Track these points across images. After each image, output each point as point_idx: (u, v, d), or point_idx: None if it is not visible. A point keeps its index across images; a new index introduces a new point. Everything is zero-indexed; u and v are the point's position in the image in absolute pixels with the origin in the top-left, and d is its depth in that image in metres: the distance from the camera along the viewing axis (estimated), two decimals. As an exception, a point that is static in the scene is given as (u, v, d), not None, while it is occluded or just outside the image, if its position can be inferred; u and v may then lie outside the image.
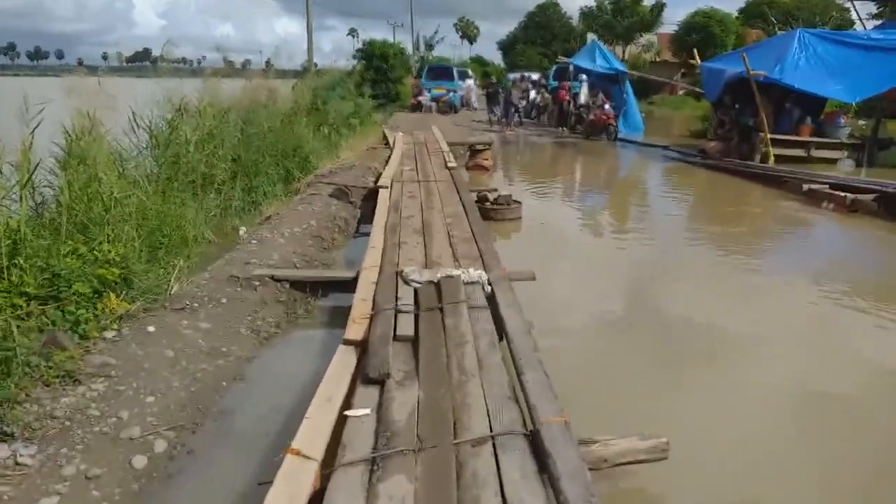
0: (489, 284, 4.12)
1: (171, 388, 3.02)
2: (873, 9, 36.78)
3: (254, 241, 5.60)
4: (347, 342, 3.27)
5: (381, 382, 2.72)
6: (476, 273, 4.18)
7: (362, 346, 3.21)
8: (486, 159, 12.34)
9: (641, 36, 42.40)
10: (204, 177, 8.07)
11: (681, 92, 42.76)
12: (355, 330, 3.37)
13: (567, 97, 19.90)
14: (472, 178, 11.54)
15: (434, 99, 25.16)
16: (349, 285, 4.45)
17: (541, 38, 55.50)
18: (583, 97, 19.64)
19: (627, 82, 20.92)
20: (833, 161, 13.31)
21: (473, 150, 12.49)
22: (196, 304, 4.10)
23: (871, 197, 8.34)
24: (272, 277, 4.58)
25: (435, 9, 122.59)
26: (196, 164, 8.00)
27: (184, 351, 3.40)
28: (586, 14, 44.48)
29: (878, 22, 27.64)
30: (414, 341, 3.23)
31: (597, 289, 5.55)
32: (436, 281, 4.05)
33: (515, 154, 16.28)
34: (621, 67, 21.53)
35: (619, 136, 19.12)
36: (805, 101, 14.10)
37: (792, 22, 37.30)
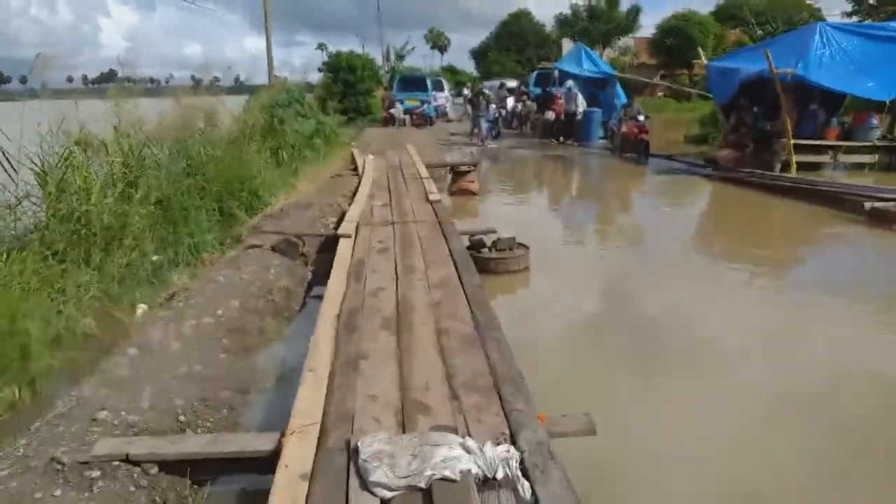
0: (526, 478, 2.13)
1: None
2: (847, 7, 35.90)
3: (130, 352, 3.54)
4: None
5: None
6: (498, 455, 2.17)
7: None
8: (472, 181, 10.39)
9: (619, 40, 40.98)
10: (109, 232, 6.04)
11: (660, 94, 41.57)
12: None
13: (562, 108, 18.03)
14: (456, 204, 9.60)
15: (407, 111, 23.19)
16: (263, 464, 2.45)
17: (514, 45, 54.24)
18: (580, 105, 17.89)
19: (618, 85, 19.21)
20: (861, 166, 11.63)
21: (457, 172, 10.53)
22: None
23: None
24: (126, 459, 2.52)
25: (404, 22, 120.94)
26: (97, 215, 5.98)
27: None
28: (562, 21, 42.93)
29: (854, 20, 26.20)
30: None
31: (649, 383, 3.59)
32: (423, 487, 2.05)
33: (503, 173, 14.20)
34: (610, 70, 19.81)
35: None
36: (827, 100, 12.46)
37: (771, 22, 36.35)
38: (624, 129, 14.89)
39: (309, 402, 2.70)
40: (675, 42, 38.00)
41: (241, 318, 4.19)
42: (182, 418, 2.95)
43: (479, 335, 3.39)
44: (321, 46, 27.06)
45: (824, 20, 36.59)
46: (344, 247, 5.13)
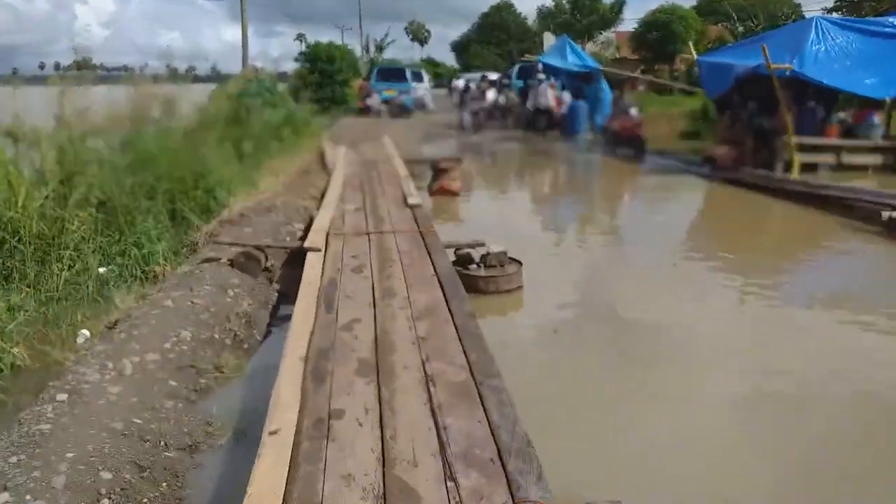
0: None
1: None
2: (828, 2, 35.99)
3: (59, 398, 2.91)
4: None
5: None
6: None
7: None
8: (455, 180, 9.76)
9: (601, 34, 40.50)
10: (44, 241, 5.35)
11: (640, 88, 41.25)
12: None
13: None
14: (437, 205, 8.99)
15: (385, 102, 22.49)
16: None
17: (495, 38, 53.75)
18: (550, 99, 17.45)
19: (603, 80, 18.76)
20: (864, 168, 11.22)
21: (438, 169, 9.89)
22: None
23: None
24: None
25: (384, 14, 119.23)
26: (27, 221, 5.29)
27: None
28: (544, 14, 42.33)
29: (835, 16, 25.97)
30: None
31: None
32: None
33: (488, 170, 13.41)
34: (595, 64, 19.35)
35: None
36: (822, 97, 12.07)
37: (753, 18, 36.20)
38: (616, 125, 14.10)
39: (267, 483, 2.10)
40: (658, 36, 37.68)
41: (193, 353, 3.56)
42: (105, 502, 2.32)
43: (475, 384, 2.81)
44: (300, 37, 26.22)
45: (804, 16, 36.59)
46: (312, 264, 4.50)
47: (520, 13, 55.36)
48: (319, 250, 4.80)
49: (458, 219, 8.47)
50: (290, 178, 8.85)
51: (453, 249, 5.26)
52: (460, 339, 3.28)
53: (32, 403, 2.96)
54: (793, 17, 36.08)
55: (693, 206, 10.13)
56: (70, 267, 5.42)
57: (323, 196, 7.04)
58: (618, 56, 41.95)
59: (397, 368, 2.96)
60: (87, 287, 5.12)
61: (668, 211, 9.50)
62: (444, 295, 3.96)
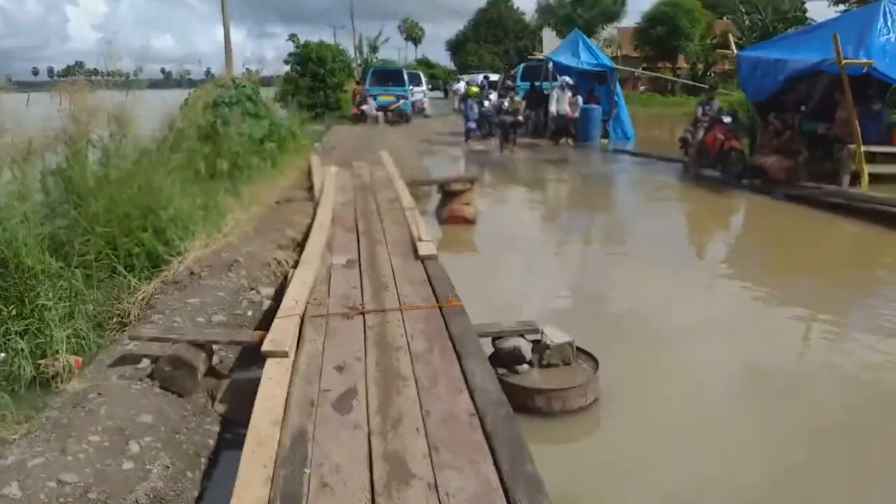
0: None
1: None
2: (838, -6, 34.46)
3: None
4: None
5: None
6: None
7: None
8: (468, 204, 8.06)
9: (604, 29, 38.80)
10: None
11: (642, 88, 39.67)
12: None
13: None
14: (449, 238, 7.27)
15: (381, 108, 20.76)
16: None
17: (492, 36, 52.36)
18: (562, 104, 15.85)
19: (617, 81, 17.08)
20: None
21: (448, 192, 8.18)
22: None
23: None
24: None
25: (376, 12, 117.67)
26: None
27: None
28: (543, 8, 40.63)
29: (843, 8, 23.94)
30: None
31: None
32: None
33: (506, 189, 11.18)
34: (610, 63, 17.59)
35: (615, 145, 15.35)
36: (884, 97, 10.46)
37: (760, 11, 35.05)
38: (703, 135, 10.88)
39: None
40: (663, 31, 36.27)
41: None
42: None
43: None
44: (292, 37, 24.41)
45: (806, 10, 35.17)
46: (269, 392, 2.72)
47: (517, 8, 53.92)
48: (285, 355, 3.05)
49: (481, 264, 6.60)
50: (267, 209, 7.11)
51: (491, 338, 3.52)
52: None
53: None
54: (798, 11, 34.86)
55: (772, 239, 7.81)
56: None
57: (303, 241, 5.29)
58: (619, 54, 40.43)
59: None
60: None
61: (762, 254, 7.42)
62: (498, 470, 2.22)
